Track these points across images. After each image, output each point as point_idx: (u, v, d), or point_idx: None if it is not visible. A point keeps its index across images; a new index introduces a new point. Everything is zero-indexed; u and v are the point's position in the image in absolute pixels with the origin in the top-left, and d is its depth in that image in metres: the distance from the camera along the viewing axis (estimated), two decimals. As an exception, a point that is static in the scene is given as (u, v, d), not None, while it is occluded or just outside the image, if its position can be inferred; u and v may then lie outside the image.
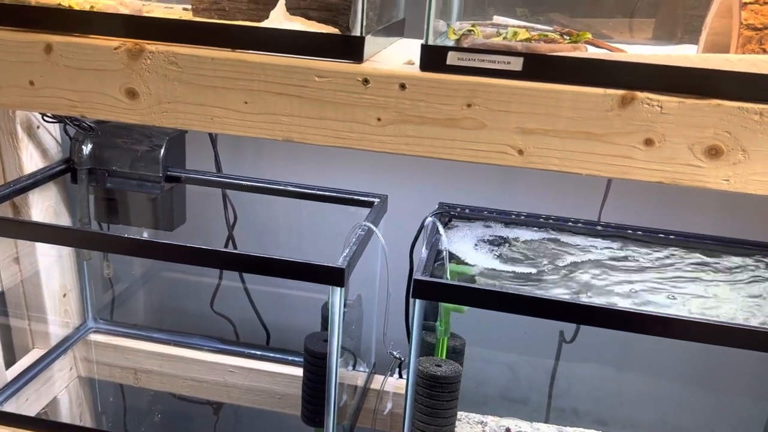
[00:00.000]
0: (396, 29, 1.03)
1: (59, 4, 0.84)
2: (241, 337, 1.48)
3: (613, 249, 1.09)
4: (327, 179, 1.25)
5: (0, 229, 1.06)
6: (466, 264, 1.02)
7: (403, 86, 0.77)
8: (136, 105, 0.85)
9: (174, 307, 1.56)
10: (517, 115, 0.75)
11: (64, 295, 1.34)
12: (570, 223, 1.13)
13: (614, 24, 1.15)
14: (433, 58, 0.76)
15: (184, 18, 0.86)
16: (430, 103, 0.77)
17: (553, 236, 1.12)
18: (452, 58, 0.75)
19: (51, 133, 1.23)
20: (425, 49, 0.76)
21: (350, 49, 0.78)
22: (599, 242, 1.11)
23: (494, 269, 1.01)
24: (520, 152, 0.77)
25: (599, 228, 1.13)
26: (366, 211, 1.17)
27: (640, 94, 0.72)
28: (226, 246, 1.37)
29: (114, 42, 0.82)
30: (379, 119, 0.79)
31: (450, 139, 0.78)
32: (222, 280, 1.45)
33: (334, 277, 0.89)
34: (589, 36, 0.81)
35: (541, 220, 1.14)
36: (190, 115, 0.84)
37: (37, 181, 1.17)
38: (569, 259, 1.06)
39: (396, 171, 1.35)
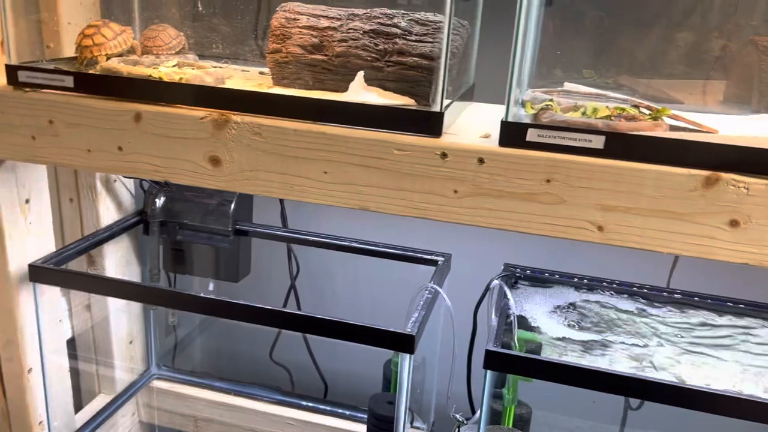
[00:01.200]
0: (468, 95, 1.04)
1: (150, 76, 0.88)
2: (298, 387, 1.48)
3: (683, 317, 1.07)
4: (386, 233, 1.26)
5: (73, 283, 1.09)
6: (533, 330, 1.01)
7: (481, 161, 0.78)
8: (218, 172, 0.87)
9: (233, 354, 1.58)
10: (597, 191, 0.75)
11: (131, 342, 1.37)
12: (638, 289, 1.11)
13: (683, 86, 1.14)
14: (512, 135, 0.77)
15: (268, 90, 0.89)
16: (508, 177, 0.78)
17: (622, 302, 1.10)
18: (532, 135, 0.76)
19: (126, 187, 1.28)
20: (505, 125, 0.77)
21: (430, 124, 0.80)
22: (668, 309, 1.09)
23: (563, 337, 1.00)
24: (600, 228, 0.77)
25: (668, 294, 1.11)
26: (427, 269, 1.18)
27: (725, 175, 0.71)
28: (287, 298, 1.38)
29: (200, 112, 0.85)
30: (456, 191, 0.80)
31: (527, 213, 0.79)
32: (281, 329, 1.46)
33: (405, 343, 0.89)
34: (670, 113, 0.81)
35: (611, 284, 1.12)
36: (271, 183, 0.86)
37: (113, 233, 1.22)
38: (637, 326, 1.04)
39: (456, 227, 1.35)
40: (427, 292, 1.03)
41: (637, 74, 1.15)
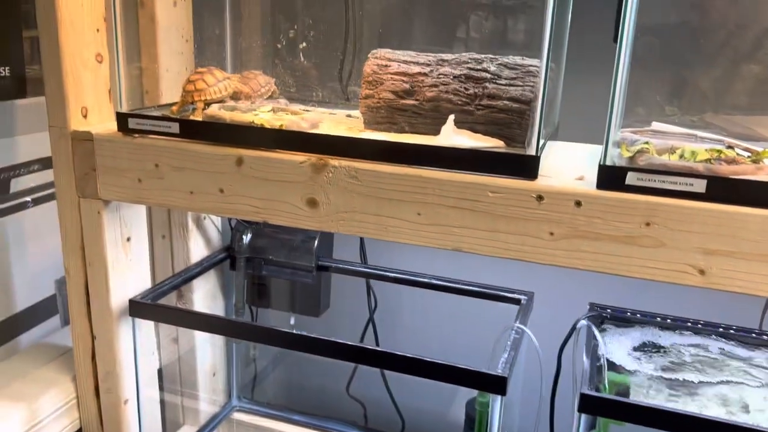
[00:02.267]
0: (553, 135, 1.05)
1: (252, 123, 0.92)
2: (375, 423, 1.49)
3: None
4: (464, 270, 1.26)
5: (168, 318, 1.14)
6: (620, 371, 0.99)
7: (578, 203, 0.78)
8: (315, 213, 0.91)
9: (310, 387, 1.60)
10: (699, 235, 0.75)
11: (214, 374, 1.41)
12: (729, 330, 1.08)
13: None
14: (611, 178, 0.77)
15: (362, 136, 0.92)
16: (606, 220, 0.78)
17: (711, 343, 1.07)
18: (631, 179, 0.76)
19: (215, 224, 1.34)
20: (603, 169, 0.78)
21: (525, 167, 0.81)
22: (761, 353, 1.06)
23: (652, 377, 0.98)
24: (702, 272, 0.76)
25: (758, 336, 1.07)
26: (508, 307, 1.18)
27: (836, 220, 0.70)
28: (364, 333, 1.40)
29: (300, 157, 0.89)
30: (551, 234, 0.81)
31: (626, 256, 0.78)
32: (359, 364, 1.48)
33: (496, 384, 0.89)
34: (771, 155, 0.80)
35: (699, 325, 1.10)
36: (366, 224, 0.89)
37: (204, 268, 1.27)
38: (729, 370, 1.01)
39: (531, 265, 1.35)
40: (514, 331, 1.03)
41: (722, 110, 1.14)
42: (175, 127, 0.95)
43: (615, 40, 1.17)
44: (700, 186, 0.74)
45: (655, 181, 0.76)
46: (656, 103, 1.14)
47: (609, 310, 1.14)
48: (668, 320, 1.12)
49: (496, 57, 0.95)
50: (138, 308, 1.07)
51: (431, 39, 1.22)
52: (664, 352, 1.05)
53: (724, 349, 1.06)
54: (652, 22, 1.08)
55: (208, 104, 1.05)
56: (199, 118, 0.97)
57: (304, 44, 1.28)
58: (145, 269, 1.15)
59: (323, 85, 1.26)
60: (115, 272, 1.07)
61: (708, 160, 0.78)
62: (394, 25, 1.26)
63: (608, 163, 0.78)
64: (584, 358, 0.96)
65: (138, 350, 1.12)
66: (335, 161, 0.88)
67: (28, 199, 1.30)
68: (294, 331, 1.00)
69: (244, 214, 0.94)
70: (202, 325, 1.11)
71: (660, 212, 0.76)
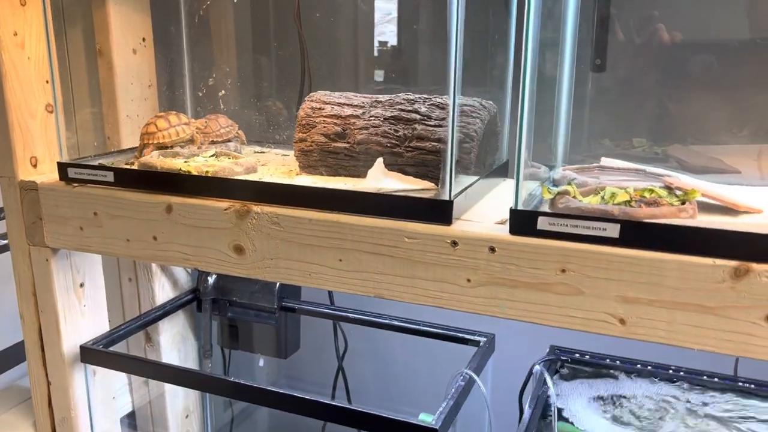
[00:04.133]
0: (500, 172, 1.02)
1: (180, 170, 0.92)
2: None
3: (755, 408, 0.96)
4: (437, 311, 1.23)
5: (119, 365, 1.12)
6: (572, 423, 0.94)
7: (492, 249, 0.75)
8: (242, 260, 0.90)
9: (288, 428, 1.58)
10: (617, 282, 0.70)
11: (187, 416, 1.40)
12: (702, 377, 1.02)
13: (746, 151, 1.06)
14: (523, 223, 0.74)
15: (284, 181, 0.91)
16: (521, 267, 0.74)
17: (681, 392, 1.01)
18: (543, 223, 0.73)
19: (182, 266, 1.34)
20: (514, 213, 0.74)
21: (439, 212, 0.78)
22: (737, 400, 0.98)
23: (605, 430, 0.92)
24: (622, 321, 0.71)
25: (736, 383, 1.00)
26: (473, 349, 1.13)
27: (756, 266, 0.64)
28: (336, 378, 1.37)
29: (225, 203, 0.89)
30: (469, 280, 0.77)
31: (544, 303, 0.74)
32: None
33: (428, 437, 0.85)
34: (698, 195, 0.75)
35: (670, 371, 1.03)
36: (290, 270, 0.87)
37: (167, 311, 1.27)
38: (699, 421, 0.95)
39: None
40: (460, 378, 0.99)
41: (693, 140, 1.08)
42: (110, 176, 0.96)
43: (593, 69, 1.14)
44: (613, 231, 0.70)
45: (567, 225, 0.72)
46: (623, 136, 1.10)
47: (573, 354, 1.09)
48: (638, 365, 1.06)
49: (431, 97, 0.94)
50: (89, 354, 1.08)
51: (386, 78, 1.21)
52: (623, 400, 0.99)
53: (695, 398, 0.99)
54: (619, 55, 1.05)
55: (162, 148, 1.06)
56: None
57: (266, 85, 1.29)
58: (102, 314, 1.15)
59: (283, 127, 1.26)
60: (68, 318, 1.08)
61: (627, 202, 0.74)
62: (348, 66, 1.25)
63: (522, 209, 0.75)
64: (526, 407, 0.91)
65: (94, 396, 1.13)
66: (258, 207, 0.87)
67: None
68: (239, 381, 0.98)
69: (176, 261, 0.94)
70: (152, 373, 1.10)
71: (575, 258, 0.71)
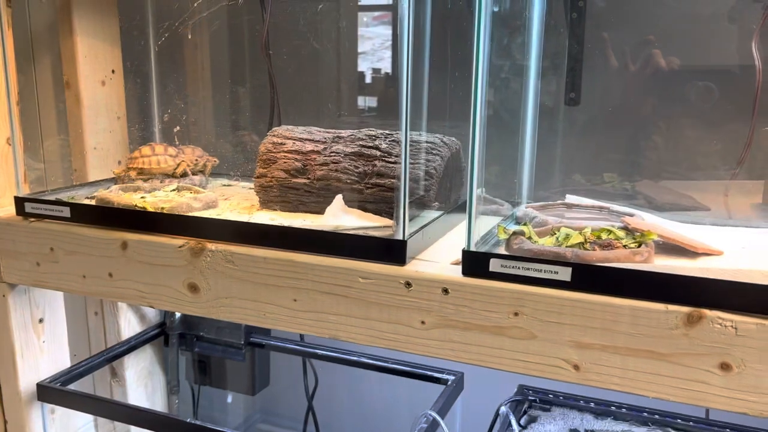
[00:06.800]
0: (464, 208, 1.00)
1: (135, 206, 0.91)
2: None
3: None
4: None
5: (74, 403, 1.08)
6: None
7: (446, 291, 0.73)
8: (197, 299, 0.88)
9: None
10: (570, 327, 0.68)
11: (154, 454, 1.36)
12: (676, 420, 0.99)
13: (716, 187, 1.04)
14: (475, 264, 0.72)
15: (239, 219, 0.90)
16: (474, 309, 0.72)
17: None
18: (495, 265, 0.71)
19: (150, 299, 1.32)
20: (466, 255, 0.72)
21: (392, 252, 0.76)
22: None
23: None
24: (576, 367, 0.69)
25: (711, 427, 0.98)
26: (442, 388, 1.11)
27: (709, 313, 0.63)
28: (307, 415, 1.34)
29: (179, 240, 0.87)
30: (423, 322, 0.75)
31: (497, 347, 0.72)
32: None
33: (385, 483, 0.83)
34: (654, 236, 0.73)
35: (644, 414, 1.00)
36: (245, 310, 0.85)
37: (132, 346, 1.24)
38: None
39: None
40: (424, 420, 0.96)
41: (668, 175, 1.07)
42: (66, 211, 0.94)
43: (567, 103, 1.13)
44: (565, 274, 0.68)
45: (520, 268, 0.70)
46: (595, 170, 1.09)
47: (545, 394, 1.06)
48: (611, 407, 1.03)
49: (392, 133, 0.93)
50: (46, 393, 1.05)
51: (352, 111, 1.21)
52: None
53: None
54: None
55: (142, 174, 1.06)
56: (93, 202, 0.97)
57: (234, 118, 1.29)
58: (63, 350, 1.13)
59: (251, 160, 1.25)
60: (25, 355, 1.06)
61: (581, 245, 0.72)
62: (316, 99, 1.25)
63: (474, 250, 0.73)
64: (489, 452, 0.88)
65: (52, 434, 1.10)
66: (212, 245, 0.85)
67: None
68: (196, 422, 0.96)
69: (131, 298, 0.92)
70: (110, 413, 1.07)
71: (527, 302, 0.70)
